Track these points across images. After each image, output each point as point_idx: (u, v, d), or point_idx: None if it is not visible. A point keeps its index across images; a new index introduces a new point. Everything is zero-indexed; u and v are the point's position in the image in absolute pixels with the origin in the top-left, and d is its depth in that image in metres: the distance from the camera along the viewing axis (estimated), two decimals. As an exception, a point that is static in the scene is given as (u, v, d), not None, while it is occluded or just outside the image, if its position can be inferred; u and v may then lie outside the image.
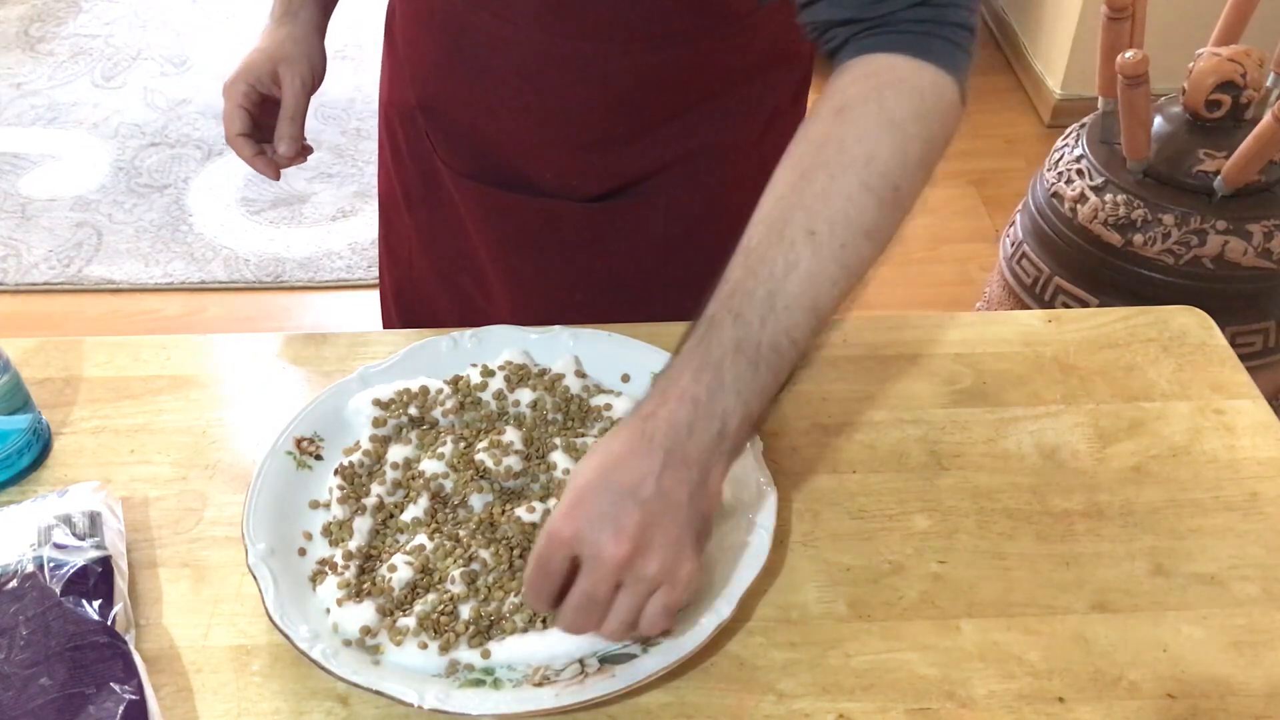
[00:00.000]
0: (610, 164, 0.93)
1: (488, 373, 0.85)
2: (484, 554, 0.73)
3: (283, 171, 0.99)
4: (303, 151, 0.96)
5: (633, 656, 0.68)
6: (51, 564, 0.69)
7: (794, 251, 0.63)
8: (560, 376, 0.84)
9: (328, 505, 0.77)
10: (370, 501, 0.77)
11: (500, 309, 1.04)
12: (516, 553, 0.73)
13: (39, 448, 0.82)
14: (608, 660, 0.68)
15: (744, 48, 0.89)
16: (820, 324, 0.64)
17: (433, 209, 1.04)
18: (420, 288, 1.11)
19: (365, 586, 0.72)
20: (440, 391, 0.83)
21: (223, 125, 0.95)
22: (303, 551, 0.74)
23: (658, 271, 1.00)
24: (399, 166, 1.06)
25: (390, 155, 1.07)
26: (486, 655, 0.68)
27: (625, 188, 0.95)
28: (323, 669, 0.65)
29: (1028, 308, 1.77)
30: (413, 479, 0.78)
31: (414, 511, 0.76)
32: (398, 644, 0.68)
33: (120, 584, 0.70)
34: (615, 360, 0.87)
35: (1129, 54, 1.53)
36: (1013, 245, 1.85)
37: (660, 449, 0.61)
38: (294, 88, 0.94)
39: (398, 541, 0.75)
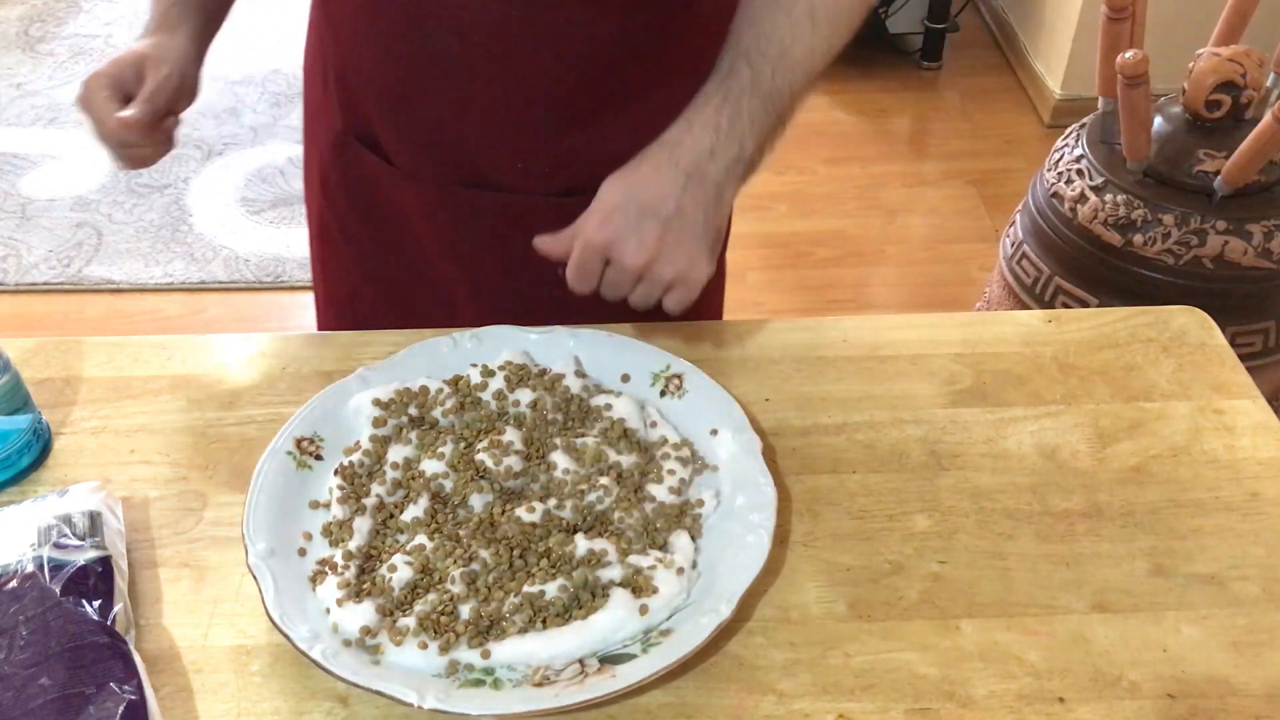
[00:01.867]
0: (582, 147, 0.91)
1: (488, 373, 0.85)
2: (484, 554, 0.73)
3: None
4: (162, 139, 0.90)
5: (633, 656, 0.68)
6: (51, 564, 0.69)
7: (799, 27, 0.77)
8: (560, 376, 0.84)
9: (328, 505, 0.77)
10: (370, 501, 0.76)
11: (465, 321, 1.02)
12: (516, 553, 0.73)
13: (39, 448, 0.82)
14: (608, 660, 0.68)
15: (716, 15, 0.86)
16: (806, 90, 0.79)
17: (376, 233, 1.01)
18: (367, 321, 1.05)
19: (365, 586, 0.72)
20: (440, 391, 0.83)
21: (81, 107, 0.88)
22: (303, 551, 0.74)
23: None
24: (330, 202, 1.03)
25: (320, 194, 1.04)
26: (486, 655, 0.68)
27: (598, 179, 0.94)
28: (323, 669, 0.65)
29: (1028, 308, 1.77)
30: (413, 479, 0.78)
31: (414, 511, 0.76)
32: (398, 644, 0.68)
33: (120, 584, 0.70)
34: (615, 360, 0.87)
35: (1129, 54, 1.53)
36: (1013, 245, 1.85)
37: (683, 171, 0.74)
38: (158, 77, 0.88)
39: (398, 541, 0.75)
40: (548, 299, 0.99)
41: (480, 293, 1.01)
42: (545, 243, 0.81)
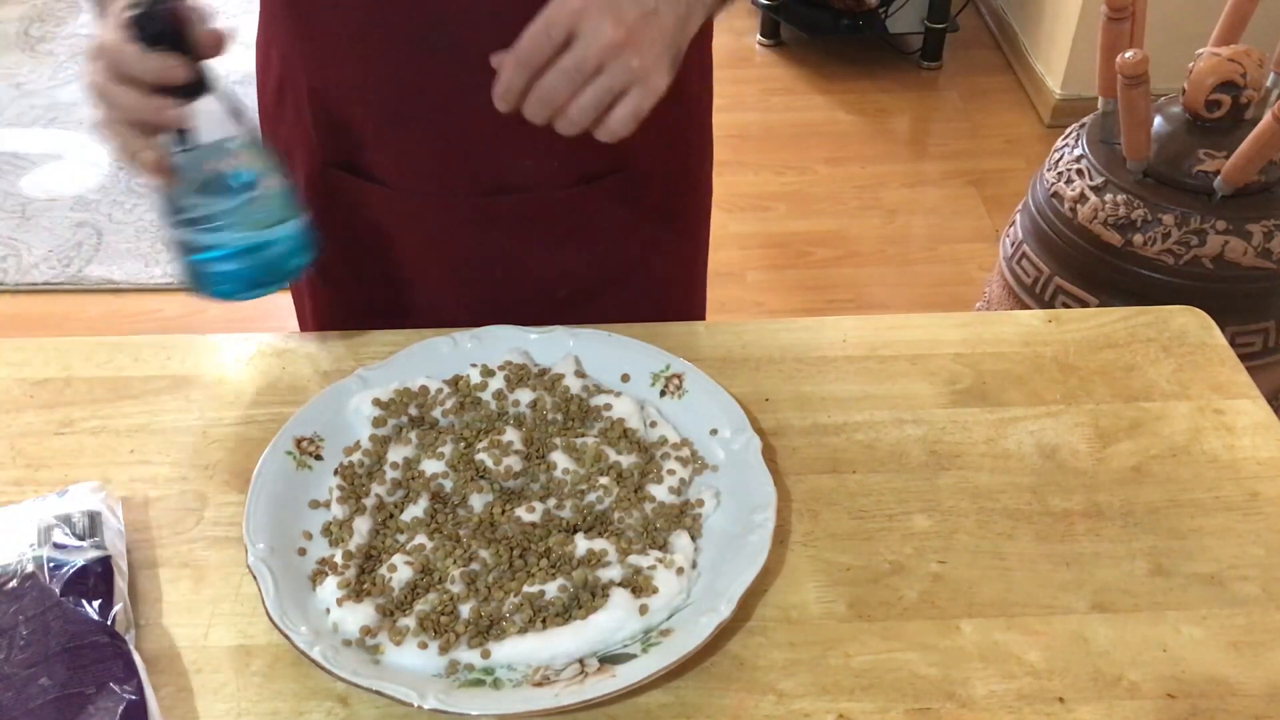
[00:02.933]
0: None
1: (488, 373, 0.85)
2: (484, 554, 0.73)
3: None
4: None
5: (633, 656, 0.68)
6: (51, 564, 0.69)
7: None
8: (560, 376, 0.84)
9: (328, 505, 0.77)
10: (370, 501, 0.77)
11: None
12: (516, 553, 0.73)
13: (311, 250, 0.82)
14: (608, 660, 0.68)
15: None
16: None
17: (367, 268, 0.98)
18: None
19: (365, 586, 0.72)
20: (440, 391, 0.84)
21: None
22: (303, 551, 0.74)
23: (647, 248, 0.99)
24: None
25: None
26: (486, 655, 0.68)
27: (608, 162, 0.93)
28: (323, 669, 0.65)
29: (1028, 308, 1.77)
30: (413, 479, 0.78)
31: (414, 511, 0.76)
32: (398, 644, 0.68)
33: (120, 584, 0.70)
34: (615, 360, 0.87)
35: (1129, 54, 1.53)
36: (1013, 245, 1.85)
37: None
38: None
39: (398, 541, 0.75)
40: (555, 298, 0.97)
41: (480, 306, 0.97)
42: (499, 55, 0.72)
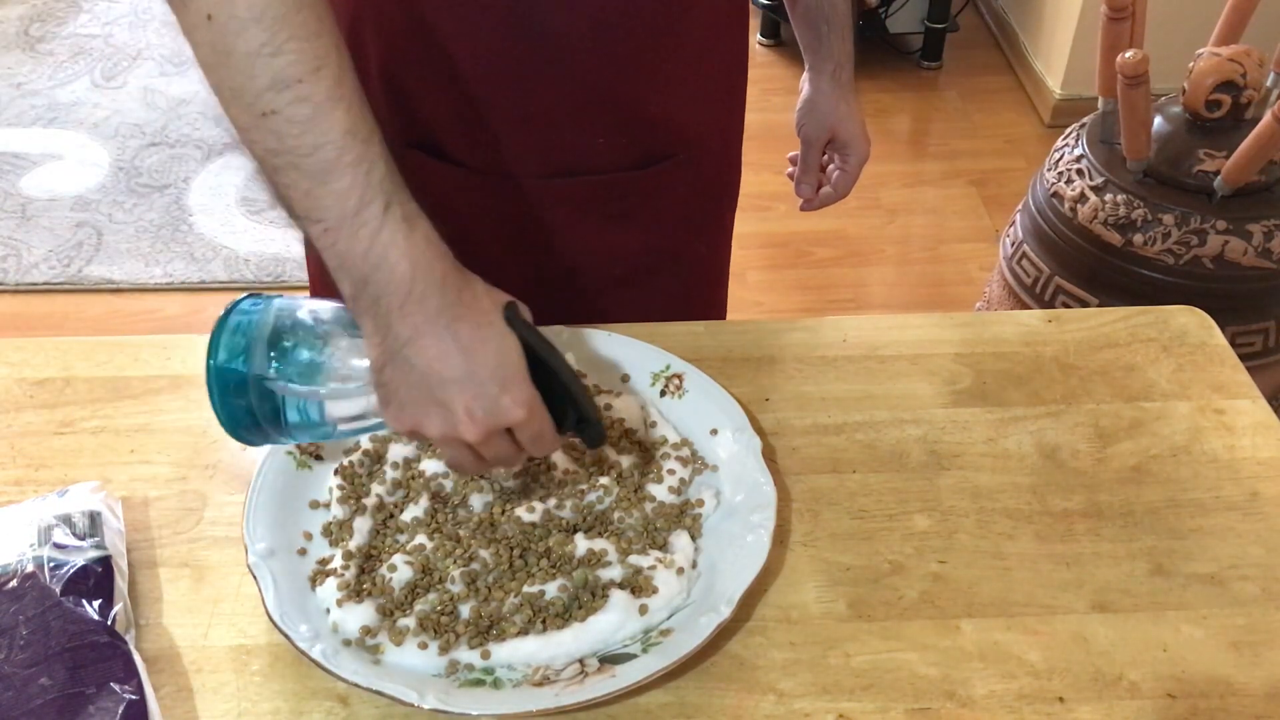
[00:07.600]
0: (659, 108, 0.91)
1: (488, 373, 0.84)
2: (484, 554, 0.73)
3: None
4: None
5: (633, 656, 0.68)
6: (51, 564, 0.69)
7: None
8: (560, 376, 0.84)
9: (328, 505, 0.77)
10: (370, 501, 0.76)
11: None
12: (516, 553, 0.73)
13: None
14: (608, 660, 0.68)
15: None
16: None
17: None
18: None
19: (365, 586, 0.72)
20: (440, 391, 0.83)
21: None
22: (303, 551, 0.74)
23: (695, 229, 1.02)
24: None
25: None
26: (486, 655, 0.68)
27: (671, 142, 0.95)
28: (323, 669, 0.65)
29: (1028, 308, 1.77)
30: (413, 479, 0.78)
31: (414, 511, 0.76)
32: (398, 644, 0.68)
33: (120, 584, 0.70)
34: (615, 360, 0.87)
35: (1129, 54, 1.53)
36: (1013, 245, 1.85)
37: (856, 92, 1.11)
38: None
39: (398, 541, 0.75)
40: (611, 276, 0.99)
41: (540, 284, 0.95)
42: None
